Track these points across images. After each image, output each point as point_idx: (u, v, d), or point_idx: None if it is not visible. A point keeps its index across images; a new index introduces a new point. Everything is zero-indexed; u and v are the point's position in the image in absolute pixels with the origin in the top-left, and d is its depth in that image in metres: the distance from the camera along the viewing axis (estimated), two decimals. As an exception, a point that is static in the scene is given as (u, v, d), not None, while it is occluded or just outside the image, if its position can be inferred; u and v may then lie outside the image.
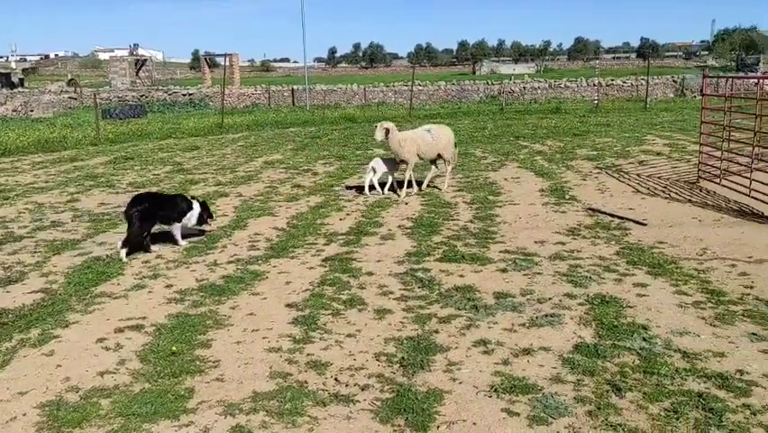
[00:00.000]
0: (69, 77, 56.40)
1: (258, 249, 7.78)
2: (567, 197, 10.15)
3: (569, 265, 6.74)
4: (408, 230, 8.43)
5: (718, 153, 11.07)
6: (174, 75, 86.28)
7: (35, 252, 7.89)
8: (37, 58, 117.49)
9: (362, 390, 4.30)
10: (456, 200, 10.21)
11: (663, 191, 10.40)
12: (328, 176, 12.88)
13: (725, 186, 10.36)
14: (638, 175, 11.85)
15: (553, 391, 4.19)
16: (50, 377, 4.61)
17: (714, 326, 5.13)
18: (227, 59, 39.96)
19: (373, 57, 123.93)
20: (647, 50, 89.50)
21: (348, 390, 4.31)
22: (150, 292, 6.35)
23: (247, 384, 4.42)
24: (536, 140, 17.47)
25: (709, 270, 6.46)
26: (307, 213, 9.64)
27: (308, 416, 4.01)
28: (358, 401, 4.16)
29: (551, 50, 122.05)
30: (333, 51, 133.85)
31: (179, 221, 8.00)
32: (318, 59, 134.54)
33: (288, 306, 5.86)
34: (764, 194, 8.96)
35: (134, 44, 66.67)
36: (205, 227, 8.55)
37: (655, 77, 34.35)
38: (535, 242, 7.69)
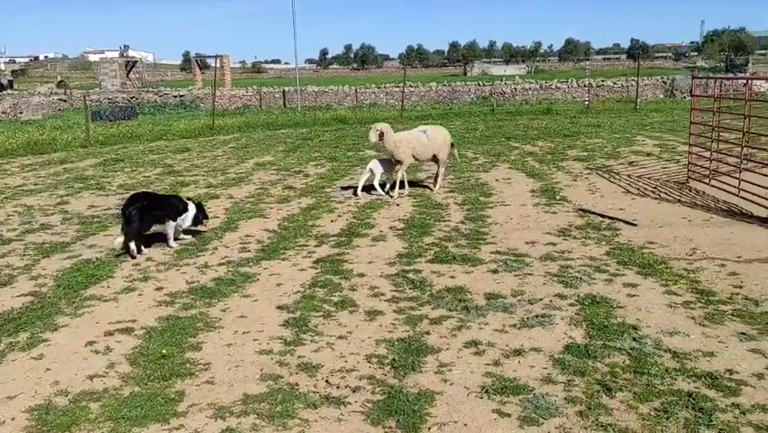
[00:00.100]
0: (59, 78, 56.09)
1: (249, 251, 7.76)
2: (558, 197, 10.19)
3: (559, 266, 6.76)
4: (400, 231, 8.43)
5: (708, 154, 11.13)
6: (165, 76, 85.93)
7: (24, 255, 7.84)
8: (26, 59, 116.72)
9: (353, 392, 4.30)
10: (447, 201, 10.22)
11: (653, 192, 10.45)
12: (319, 177, 12.86)
13: (714, 186, 10.42)
14: (628, 176, 11.90)
15: (544, 391, 4.20)
16: (39, 381, 4.58)
17: (703, 325, 5.15)
18: (218, 60, 39.88)
19: (365, 58, 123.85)
20: (637, 51, 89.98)
21: (339, 392, 4.31)
22: (140, 295, 6.32)
23: (238, 387, 4.40)
24: (527, 141, 17.52)
25: (699, 270, 6.50)
26: (299, 214, 9.63)
27: (299, 418, 4.00)
28: (349, 403, 4.16)
29: (542, 51, 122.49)
30: (324, 53, 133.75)
31: (174, 220, 8.01)
32: (309, 61, 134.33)
33: (279, 308, 5.85)
34: (753, 194, 9.02)
35: (125, 46, 66.26)
36: (200, 228, 8.56)
37: (645, 78, 34.54)
38: (526, 242, 7.71)
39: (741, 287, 5.99)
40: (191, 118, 28.06)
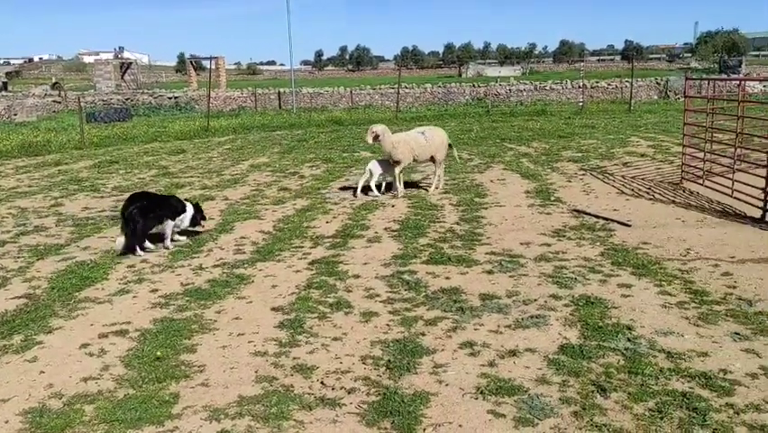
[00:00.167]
0: (54, 80, 55.96)
1: (244, 253, 7.76)
2: (552, 198, 10.21)
3: (554, 266, 6.77)
4: (395, 232, 8.43)
5: (701, 155, 11.18)
6: (160, 78, 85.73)
7: (18, 257, 7.81)
8: (21, 61, 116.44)
9: (348, 393, 4.30)
10: (442, 202, 10.23)
11: (647, 192, 10.49)
12: (315, 179, 12.86)
13: (708, 187, 10.46)
14: (623, 176, 11.94)
15: (539, 392, 4.21)
16: (33, 384, 4.56)
17: (697, 326, 5.17)
18: (213, 62, 39.83)
19: (360, 60, 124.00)
20: (631, 52, 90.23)
21: (334, 393, 4.30)
22: (134, 297, 6.31)
23: (232, 389, 4.40)
24: (522, 142, 17.55)
25: (693, 270, 6.52)
26: (294, 216, 9.62)
27: (294, 420, 3.99)
28: (344, 405, 4.15)
29: (536, 52, 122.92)
30: (319, 54, 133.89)
31: (173, 220, 8.07)
32: (305, 62, 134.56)
33: (275, 309, 5.85)
34: (746, 194, 9.06)
35: (119, 47, 66.36)
36: (197, 228, 8.60)
37: (639, 79, 34.64)
38: (521, 243, 7.72)
39: (735, 287, 6.01)
40: (186, 120, 28.00)
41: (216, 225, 9.11)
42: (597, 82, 35.50)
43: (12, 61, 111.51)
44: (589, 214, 9.05)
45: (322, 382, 4.45)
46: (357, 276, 6.71)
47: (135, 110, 33.51)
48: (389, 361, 4.71)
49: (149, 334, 5.36)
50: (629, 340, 4.91)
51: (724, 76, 40.53)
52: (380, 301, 5.96)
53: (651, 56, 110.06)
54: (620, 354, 4.69)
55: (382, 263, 7.11)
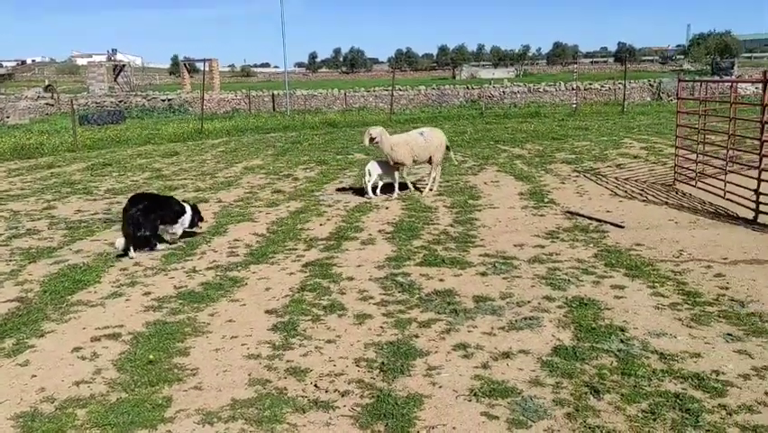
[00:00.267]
0: (47, 82, 55.68)
1: (237, 255, 7.74)
2: (546, 200, 10.23)
3: (548, 268, 6.78)
4: (389, 235, 8.43)
5: (694, 156, 11.23)
6: (153, 80, 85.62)
7: (10, 260, 7.77)
8: (13, 63, 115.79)
9: (342, 396, 4.29)
10: (436, 204, 10.23)
11: (640, 194, 10.52)
12: (309, 181, 12.85)
13: (700, 188, 10.50)
14: (616, 178, 11.97)
15: (532, 394, 4.21)
16: (25, 388, 4.54)
17: (690, 327, 5.19)
18: (207, 64, 39.72)
19: (354, 62, 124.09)
20: (624, 54, 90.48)
21: (328, 396, 4.30)
22: (127, 300, 6.28)
23: (226, 392, 4.38)
24: (516, 144, 17.59)
25: (685, 271, 6.54)
26: (287, 218, 9.61)
27: (287, 423, 3.98)
28: (338, 407, 4.15)
29: (530, 54, 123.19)
30: (313, 56, 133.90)
31: (175, 222, 8.21)
32: (299, 65, 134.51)
33: (268, 312, 5.83)
34: (739, 196, 9.10)
35: (113, 49, 65.93)
36: (195, 229, 8.66)
37: (632, 81, 34.78)
38: (515, 245, 7.73)
39: (727, 288, 6.04)
40: (180, 122, 27.94)
41: (210, 228, 9.09)
42: (590, 84, 35.62)
43: (4, 64, 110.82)
44: (582, 215, 9.07)
45: (315, 385, 4.44)
46: (351, 278, 6.70)
47: (128, 112, 33.41)
48: (383, 363, 4.71)
49: (141, 337, 5.33)
50: (622, 341, 4.92)
51: (716, 78, 40.72)
52: (374, 303, 5.95)
53: (644, 58, 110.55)
54: (613, 356, 4.70)
55: (376, 265, 7.10)
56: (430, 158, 11.00)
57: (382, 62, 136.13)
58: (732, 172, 9.96)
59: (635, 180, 11.72)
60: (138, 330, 5.48)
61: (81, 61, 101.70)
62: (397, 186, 11.00)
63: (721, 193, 9.67)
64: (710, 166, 11.09)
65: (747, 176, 9.34)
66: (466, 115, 27.95)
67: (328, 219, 9.48)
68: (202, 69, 35.53)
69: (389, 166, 10.89)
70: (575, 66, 69.14)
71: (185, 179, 13.63)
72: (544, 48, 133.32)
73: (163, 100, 37.00)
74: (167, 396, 4.34)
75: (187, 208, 8.38)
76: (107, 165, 15.90)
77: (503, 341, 5.05)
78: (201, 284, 6.67)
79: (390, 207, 10.16)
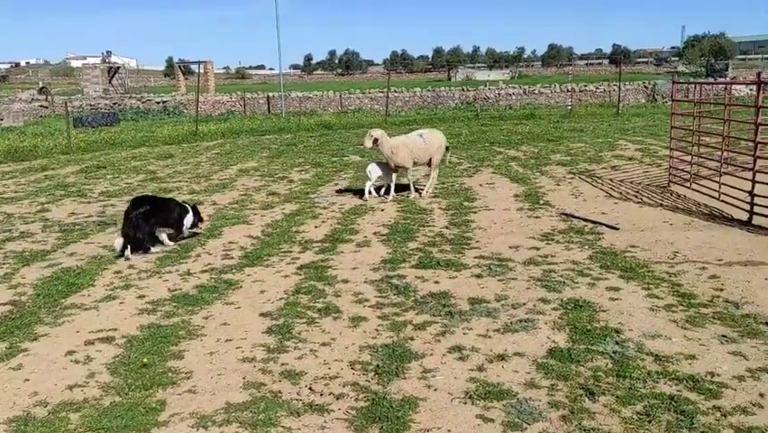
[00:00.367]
0: (41, 84, 55.53)
1: (232, 258, 7.72)
2: (541, 202, 10.23)
3: (543, 270, 6.78)
4: (384, 237, 8.42)
5: (688, 158, 11.26)
6: (148, 82, 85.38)
7: (3, 263, 7.73)
8: (7, 65, 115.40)
9: (337, 399, 4.28)
10: (432, 206, 10.23)
11: (635, 196, 10.54)
12: (304, 183, 12.83)
13: (695, 190, 10.53)
14: (611, 180, 11.99)
15: (528, 396, 4.21)
16: (18, 391, 4.51)
17: (685, 328, 5.19)
18: (202, 66, 39.67)
19: (349, 64, 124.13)
20: (619, 56, 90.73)
21: (322, 399, 4.28)
22: (121, 303, 6.25)
23: (220, 395, 4.36)
24: (511, 146, 17.61)
25: (680, 273, 6.55)
26: (282, 221, 9.59)
27: (282, 426, 3.97)
28: (332, 411, 4.13)
29: (525, 56, 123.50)
30: (308, 58, 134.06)
31: (180, 224, 8.32)
32: (294, 67, 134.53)
33: (263, 315, 5.81)
34: (733, 197, 9.12)
35: (107, 51, 65.99)
36: (195, 230, 8.72)
37: (627, 83, 34.86)
38: (510, 247, 7.73)
39: (722, 290, 6.04)
40: (174, 124, 27.90)
41: (204, 230, 9.07)
42: (585, 86, 35.72)
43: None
44: (577, 217, 9.08)
45: (310, 388, 4.43)
46: (346, 281, 6.69)
47: (123, 115, 33.31)
48: (378, 366, 4.70)
49: (135, 340, 5.31)
50: (617, 343, 4.92)
51: (711, 79, 40.85)
52: (369, 306, 5.94)
53: (639, 60, 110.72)
54: (608, 358, 4.69)
55: (371, 268, 7.09)
56: (430, 160, 11.00)
57: (377, 64, 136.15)
58: (726, 174, 9.98)
59: (630, 182, 11.74)
60: (132, 333, 5.46)
61: (75, 63, 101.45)
62: (393, 188, 10.99)
63: (716, 195, 9.70)
64: (705, 168, 11.12)
65: (742, 177, 9.37)
66: (461, 117, 27.97)
67: (323, 221, 9.47)
68: (197, 71, 35.47)
69: (389, 168, 10.89)
70: (570, 68, 69.42)
71: (179, 181, 13.60)
72: (539, 50, 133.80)
73: (158, 102, 36.91)
74: (161, 400, 4.32)
75: (189, 209, 8.49)
76: (101, 168, 15.85)
77: (498, 343, 5.04)
78: (195, 287, 6.64)
79: (386, 209, 10.15)
